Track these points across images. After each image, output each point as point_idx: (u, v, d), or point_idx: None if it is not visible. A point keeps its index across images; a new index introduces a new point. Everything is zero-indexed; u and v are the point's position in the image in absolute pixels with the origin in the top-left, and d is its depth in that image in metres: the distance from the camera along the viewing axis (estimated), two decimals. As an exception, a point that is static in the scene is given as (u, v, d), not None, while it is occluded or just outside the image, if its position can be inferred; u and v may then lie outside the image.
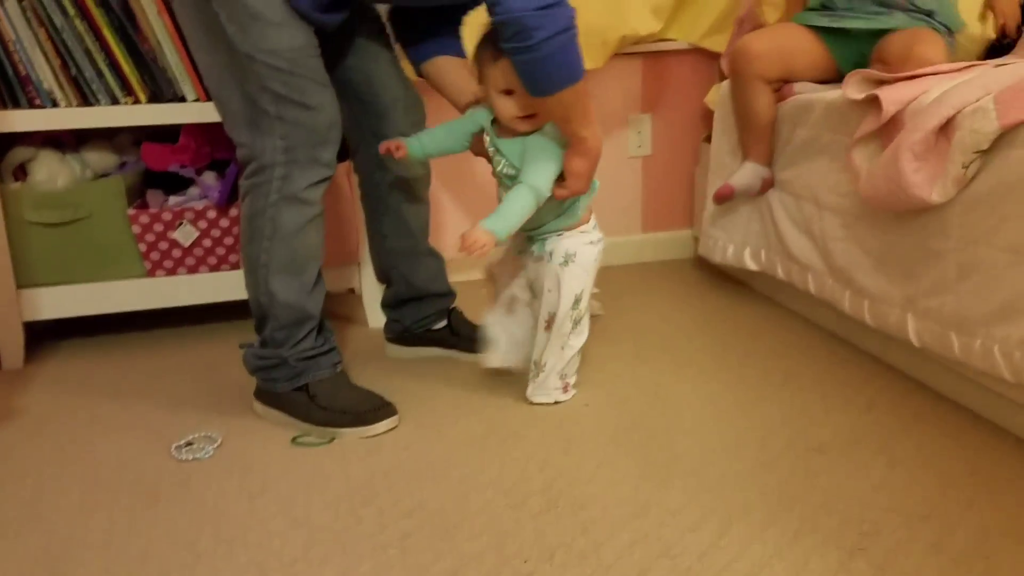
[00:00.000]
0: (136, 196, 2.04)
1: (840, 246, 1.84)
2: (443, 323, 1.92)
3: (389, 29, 1.75)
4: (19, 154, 1.95)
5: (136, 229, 1.96)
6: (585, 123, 1.48)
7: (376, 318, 2.13)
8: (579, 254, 1.60)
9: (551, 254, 1.60)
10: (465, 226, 2.06)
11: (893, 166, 1.56)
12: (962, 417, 1.59)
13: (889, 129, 1.65)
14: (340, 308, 2.29)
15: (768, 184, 2.08)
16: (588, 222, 1.65)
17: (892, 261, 1.69)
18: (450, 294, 1.92)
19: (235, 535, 1.28)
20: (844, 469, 1.42)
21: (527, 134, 1.53)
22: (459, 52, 1.71)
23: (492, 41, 1.45)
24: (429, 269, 1.88)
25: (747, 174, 2.07)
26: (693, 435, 1.55)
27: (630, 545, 1.24)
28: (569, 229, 1.62)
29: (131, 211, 1.95)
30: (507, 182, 1.57)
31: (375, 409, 1.59)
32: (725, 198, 2.10)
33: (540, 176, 1.50)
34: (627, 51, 2.47)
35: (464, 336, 1.88)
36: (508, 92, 1.49)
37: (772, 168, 2.08)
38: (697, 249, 2.65)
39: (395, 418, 1.60)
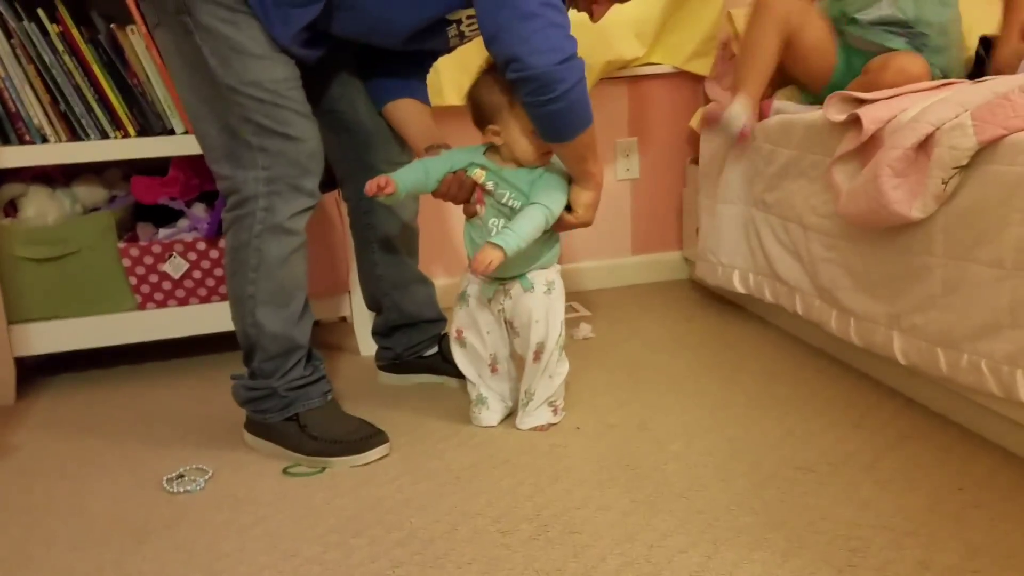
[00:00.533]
0: (126, 229, 2.06)
1: (825, 266, 1.86)
2: (434, 349, 1.92)
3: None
4: (9, 190, 1.96)
5: (126, 262, 1.97)
6: (595, 159, 1.54)
7: (367, 346, 2.14)
8: (555, 282, 1.64)
9: (534, 285, 1.61)
10: (453, 249, 2.09)
11: (873, 184, 1.58)
12: (951, 432, 1.60)
13: (868, 148, 1.67)
14: (331, 337, 2.30)
15: (746, 134, 2.07)
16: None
17: (877, 279, 1.70)
18: (441, 320, 1.93)
19: (225, 569, 1.28)
20: (832, 488, 1.42)
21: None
22: (424, 98, 1.76)
23: (508, 87, 1.47)
24: (420, 295, 1.88)
25: (736, 108, 2.06)
26: (682, 459, 1.55)
27: (620, 569, 1.24)
28: (550, 262, 1.65)
29: (121, 244, 1.97)
30: (508, 213, 1.57)
31: (367, 437, 1.59)
32: (711, 122, 2.17)
33: (554, 202, 1.54)
34: (612, 76, 2.49)
35: (455, 362, 1.87)
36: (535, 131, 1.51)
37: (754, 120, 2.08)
38: (688, 270, 2.67)
39: (387, 446, 1.60)
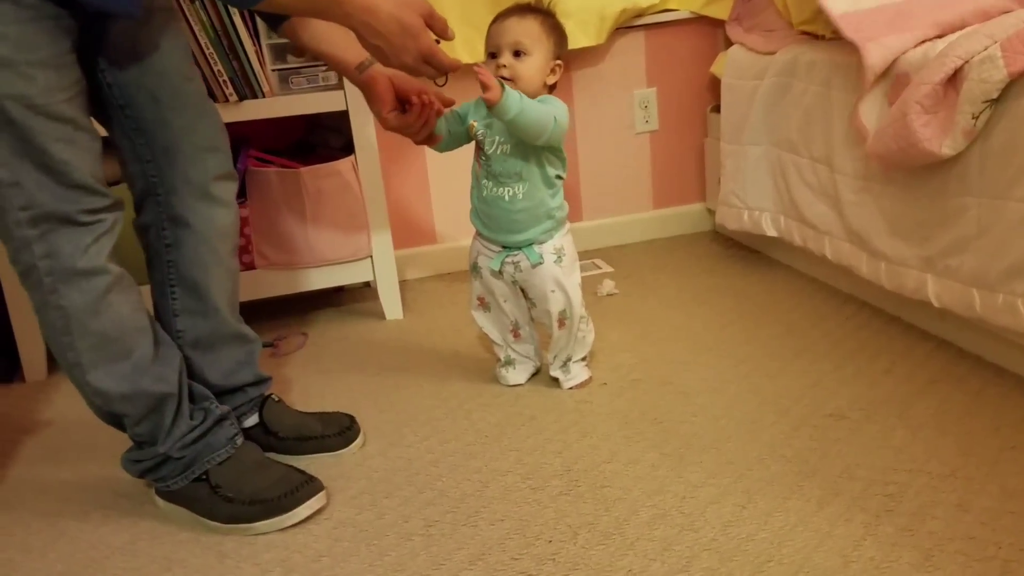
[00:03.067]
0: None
1: (856, 209, 1.82)
2: (254, 418, 1.51)
3: None
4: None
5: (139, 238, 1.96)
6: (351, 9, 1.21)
7: (393, 310, 2.14)
8: (565, 247, 1.60)
9: (542, 256, 1.57)
10: (455, 212, 2.04)
11: (901, 122, 1.54)
12: (985, 373, 1.57)
13: (896, 86, 1.62)
14: (356, 302, 2.29)
15: None
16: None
17: (910, 222, 1.66)
18: (261, 382, 1.52)
19: (258, 531, 1.29)
20: (865, 434, 1.40)
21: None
22: None
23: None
24: (228, 360, 1.45)
25: None
26: (710, 411, 1.54)
27: (652, 521, 1.23)
28: (557, 229, 1.59)
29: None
30: (499, 173, 1.53)
31: (292, 491, 1.31)
32: None
33: (561, 113, 1.47)
34: (628, 25, 2.44)
35: (283, 436, 1.51)
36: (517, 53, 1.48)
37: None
38: (711, 222, 2.63)
39: (320, 496, 1.33)
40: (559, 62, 1.53)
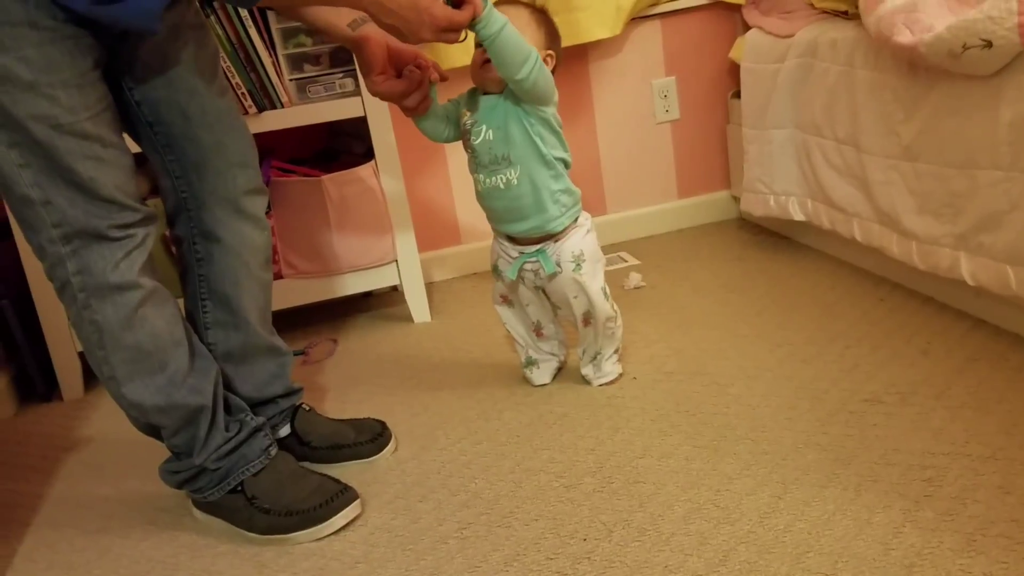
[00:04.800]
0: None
1: (884, 189, 1.79)
2: (286, 428, 1.52)
3: None
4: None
5: (174, 250, 1.98)
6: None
7: (420, 313, 2.14)
8: (584, 250, 1.55)
9: (559, 263, 1.54)
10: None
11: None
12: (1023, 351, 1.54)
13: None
14: (384, 306, 2.30)
15: None
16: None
17: (940, 199, 1.63)
18: (293, 393, 1.52)
19: (295, 541, 1.30)
20: (902, 418, 1.38)
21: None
22: None
23: None
24: (262, 373, 1.46)
25: None
26: (743, 400, 1.52)
27: (688, 515, 1.22)
28: (566, 229, 1.55)
29: (167, 233, 1.98)
30: (487, 163, 1.50)
31: (328, 501, 1.32)
32: None
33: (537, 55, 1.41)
34: (644, 14, 2.42)
35: (316, 445, 1.52)
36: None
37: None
38: (737, 209, 2.60)
39: (355, 505, 1.33)
40: (551, 53, 1.51)
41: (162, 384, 1.26)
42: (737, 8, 2.43)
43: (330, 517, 1.31)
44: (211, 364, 1.33)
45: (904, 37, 1.55)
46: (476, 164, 1.53)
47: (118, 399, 1.29)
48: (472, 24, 1.32)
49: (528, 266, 1.56)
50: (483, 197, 1.55)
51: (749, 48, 2.24)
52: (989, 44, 1.39)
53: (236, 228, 1.38)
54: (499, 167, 1.50)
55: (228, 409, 1.35)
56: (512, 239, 1.58)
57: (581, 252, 1.55)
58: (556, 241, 1.55)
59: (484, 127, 1.49)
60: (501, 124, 1.47)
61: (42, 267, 1.24)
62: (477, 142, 1.50)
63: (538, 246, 1.55)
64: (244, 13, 1.84)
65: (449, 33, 1.28)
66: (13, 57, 1.08)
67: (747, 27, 2.34)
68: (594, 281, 1.56)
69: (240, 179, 1.37)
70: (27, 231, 1.21)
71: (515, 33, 1.36)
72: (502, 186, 1.50)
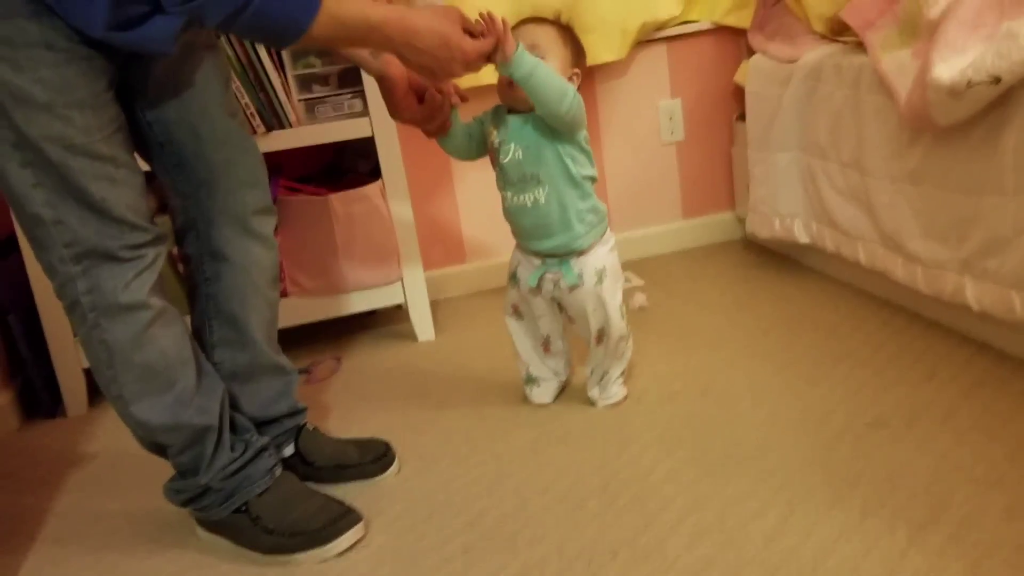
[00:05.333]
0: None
1: (889, 212, 1.80)
2: (290, 448, 1.52)
3: None
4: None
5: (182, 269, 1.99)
6: (393, 37, 1.21)
7: (424, 331, 2.15)
8: (607, 266, 1.57)
9: (581, 276, 1.55)
10: (483, 225, 2.05)
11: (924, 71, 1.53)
12: (1029, 376, 1.54)
13: (921, 47, 1.62)
14: (387, 324, 2.31)
15: None
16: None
17: (945, 223, 1.64)
18: (297, 412, 1.53)
19: (299, 562, 1.30)
20: (907, 442, 1.38)
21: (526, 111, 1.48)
22: None
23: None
24: (267, 392, 1.47)
25: None
26: (749, 422, 1.52)
27: (694, 538, 1.22)
28: (591, 246, 1.56)
29: (175, 251, 1.99)
30: (515, 181, 1.51)
31: (332, 522, 1.32)
32: None
33: (570, 87, 1.43)
34: (650, 38, 2.44)
35: (320, 465, 1.52)
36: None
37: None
38: (741, 230, 2.61)
39: (359, 527, 1.33)
40: (577, 71, 1.52)
41: (169, 403, 1.27)
42: (742, 33, 2.45)
43: (334, 538, 1.30)
44: (218, 383, 1.34)
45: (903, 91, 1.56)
46: (504, 182, 1.54)
47: (125, 418, 1.29)
48: (503, 68, 1.36)
49: (549, 275, 1.57)
50: (510, 214, 1.56)
51: (753, 72, 2.26)
52: (997, 80, 1.40)
53: (244, 247, 1.38)
54: (528, 185, 1.51)
55: (234, 428, 1.35)
56: (536, 254, 1.58)
57: (604, 267, 1.56)
58: (581, 255, 1.55)
59: (513, 145, 1.49)
60: (531, 143, 1.48)
61: (51, 285, 1.24)
62: (506, 160, 1.50)
63: (562, 258, 1.56)
64: (254, 33, 1.85)
65: (476, 65, 1.30)
66: (29, 78, 1.10)
67: (751, 51, 2.36)
68: (614, 298, 1.58)
69: (249, 199, 1.38)
70: (38, 250, 1.21)
71: (549, 72, 1.39)
72: (529, 204, 1.51)
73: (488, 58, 1.32)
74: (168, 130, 1.31)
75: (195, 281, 1.42)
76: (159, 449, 1.33)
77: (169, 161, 1.34)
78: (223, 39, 1.83)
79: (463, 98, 1.51)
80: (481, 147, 1.58)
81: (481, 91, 1.92)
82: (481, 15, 1.32)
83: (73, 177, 1.15)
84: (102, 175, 1.17)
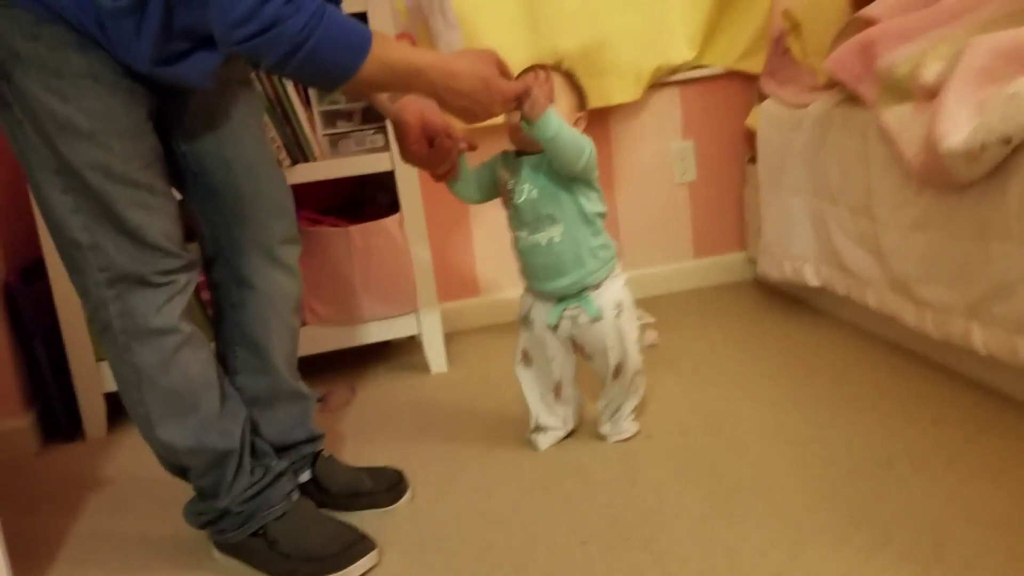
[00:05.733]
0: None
1: (898, 257, 1.83)
2: (306, 474, 1.55)
3: None
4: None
5: (205, 296, 2.03)
6: (437, 81, 1.25)
7: (438, 364, 2.18)
8: (624, 300, 1.60)
9: (601, 309, 1.58)
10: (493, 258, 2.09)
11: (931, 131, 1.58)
12: (1035, 422, 1.56)
13: (922, 102, 1.66)
14: (401, 356, 2.34)
15: None
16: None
17: (952, 269, 1.67)
18: (315, 439, 1.56)
19: (314, 586, 1.33)
20: (914, 484, 1.40)
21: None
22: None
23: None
24: (286, 418, 1.51)
25: None
26: (757, 461, 1.54)
27: (701, 575, 1.24)
28: (603, 281, 1.59)
29: (202, 278, 2.03)
30: (529, 220, 1.54)
31: (346, 548, 1.34)
32: None
33: (587, 141, 1.48)
34: (664, 81, 2.50)
35: (335, 492, 1.55)
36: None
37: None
38: (752, 271, 2.64)
39: (373, 554, 1.35)
40: (581, 114, 1.57)
41: (193, 426, 1.30)
42: (754, 78, 2.50)
43: (348, 565, 1.32)
44: (241, 408, 1.37)
45: (913, 151, 1.61)
46: (519, 221, 1.57)
47: (150, 439, 1.33)
48: (530, 127, 1.41)
49: (568, 312, 1.59)
50: (523, 253, 1.59)
51: (765, 117, 2.31)
52: (1009, 140, 1.45)
53: (270, 276, 1.43)
54: (543, 224, 1.54)
55: (254, 453, 1.38)
56: (550, 295, 1.60)
57: (622, 301, 1.59)
58: (596, 289, 1.58)
59: (527, 186, 1.53)
60: (546, 184, 1.52)
61: (85, 308, 1.28)
62: (520, 201, 1.54)
63: (578, 295, 1.58)
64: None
65: (514, 102, 1.35)
66: (74, 107, 1.15)
67: (763, 96, 2.41)
68: (632, 331, 1.61)
69: (277, 229, 1.43)
70: (73, 273, 1.26)
71: (572, 133, 1.44)
72: (544, 243, 1.55)
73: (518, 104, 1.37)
74: (202, 161, 1.36)
75: (221, 308, 1.46)
76: (181, 471, 1.37)
77: (201, 191, 1.38)
78: (253, 74, 1.89)
79: (472, 147, 1.55)
80: (488, 191, 1.62)
81: (488, 132, 1.96)
82: (536, 72, 1.39)
83: (111, 204, 1.20)
84: (139, 202, 1.22)
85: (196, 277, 1.32)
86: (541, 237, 1.55)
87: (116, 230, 1.22)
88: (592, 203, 1.56)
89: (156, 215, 1.24)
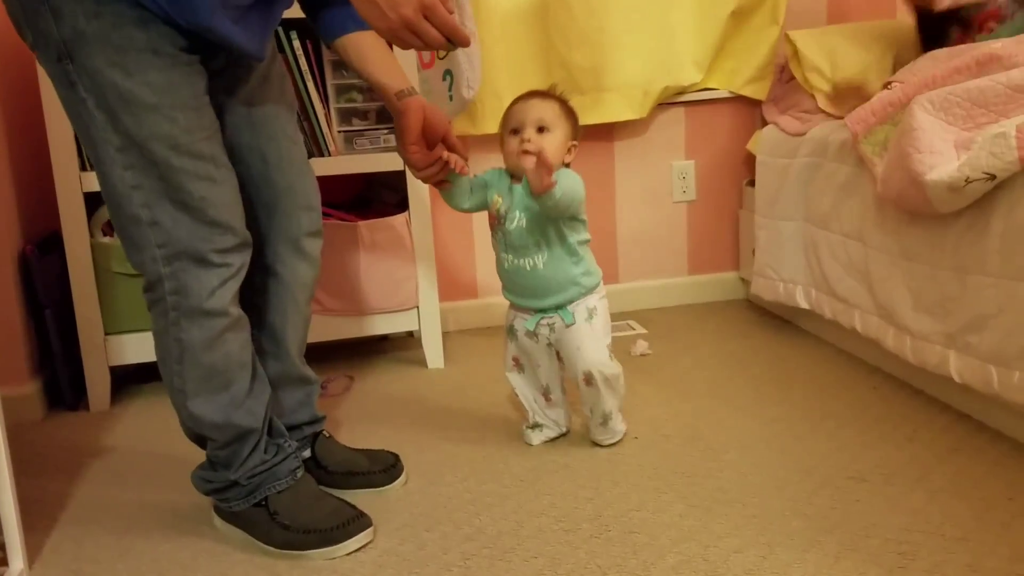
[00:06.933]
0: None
1: (884, 285, 1.90)
2: (306, 452, 1.61)
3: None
4: (106, 212, 2.11)
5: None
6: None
7: (435, 359, 2.24)
8: (598, 307, 1.66)
9: (574, 315, 1.63)
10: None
11: (905, 157, 1.67)
12: (1002, 446, 1.63)
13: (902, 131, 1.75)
14: (399, 351, 2.41)
15: None
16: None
17: (934, 299, 1.74)
18: (316, 421, 1.63)
19: (309, 559, 1.39)
20: (884, 497, 1.47)
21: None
22: None
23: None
24: (292, 400, 1.57)
25: None
26: (736, 468, 1.61)
27: (678, 566, 1.31)
28: (587, 293, 1.65)
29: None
30: (515, 244, 1.60)
31: (344, 524, 1.39)
32: None
33: (577, 182, 1.54)
34: (670, 101, 2.58)
35: (332, 470, 1.61)
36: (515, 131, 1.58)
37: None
38: (744, 290, 2.72)
39: (369, 531, 1.41)
40: (575, 143, 1.64)
41: (224, 403, 1.35)
42: (757, 104, 2.59)
43: (345, 539, 1.38)
44: (266, 388, 1.43)
45: (920, 165, 1.68)
46: (506, 245, 1.63)
47: (180, 410, 1.38)
48: (541, 201, 1.48)
49: (545, 321, 1.65)
50: (508, 274, 1.66)
51: (764, 142, 2.39)
52: (992, 177, 1.52)
53: (294, 266, 1.49)
54: (528, 251, 1.61)
55: (270, 432, 1.44)
56: (530, 310, 1.66)
57: (595, 307, 1.65)
58: (573, 303, 1.64)
59: (519, 213, 1.59)
60: (535, 213, 1.58)
61: (142, 282, 1.32)
62: (511, 227, 1.60)
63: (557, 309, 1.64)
64: (304, 67, 1.99)
65: (426, 24, 1.18)
66: (138, 81, 1.19)
67: (764, 122, 2.49)
68: (603, 336, 1.65)
69: (304, 221, 1.49)
70: (131, 248, 1.30)
71: (569, 187, 1.50)
72: (528, 268, 1.62)
73: (443, 29, 1.19)
74: (240, 153, 1.41)
75: (242, 291, 1.50)
76: (200, 440, 1.42)
77: (241, 182, 1.41)
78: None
79: (461, 171, 1.56)
80: (476, 202, 1.65)
81: (482, 140, 2.02)
82: (541, 157, 1.44)
83: (175, 176, 1.23)
84: (203, 175, 1.26)
85: (248, 260, 1.35)
86: (526, 262, 1.62)
87: (177, 206, 1.25)
88: (576, 233, 1.62)
89: (219, 187, 1.28)
